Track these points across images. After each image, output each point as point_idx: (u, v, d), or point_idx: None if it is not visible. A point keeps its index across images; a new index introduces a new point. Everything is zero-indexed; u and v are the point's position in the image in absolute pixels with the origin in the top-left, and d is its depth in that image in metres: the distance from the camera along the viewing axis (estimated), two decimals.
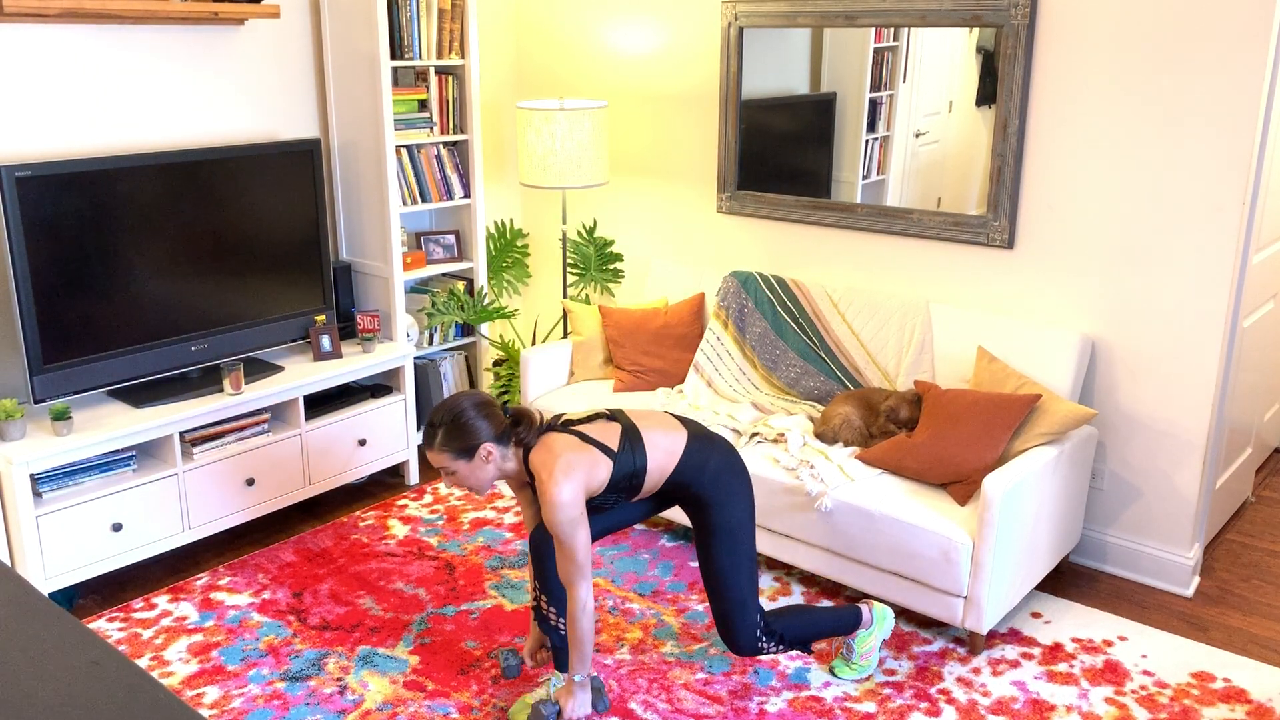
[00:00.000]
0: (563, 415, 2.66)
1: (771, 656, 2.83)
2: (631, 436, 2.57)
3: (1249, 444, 3.92)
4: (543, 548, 2.70)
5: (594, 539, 2.67)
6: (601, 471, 2.51)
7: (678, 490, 2.63)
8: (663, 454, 2.59)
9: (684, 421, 2.69)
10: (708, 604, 3.27)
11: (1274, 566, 3.54)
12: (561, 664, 2.75)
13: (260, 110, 3.92)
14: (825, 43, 3.82)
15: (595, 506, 2.63)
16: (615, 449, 2.54)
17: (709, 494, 2.61)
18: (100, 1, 3.23)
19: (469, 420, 2.49)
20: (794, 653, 2.93)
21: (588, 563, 2.48)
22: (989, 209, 3.51)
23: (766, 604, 3.26)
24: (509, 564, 3.52)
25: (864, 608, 2.87)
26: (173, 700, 1.22)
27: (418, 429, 4.29)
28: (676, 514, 3.55)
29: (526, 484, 2.71)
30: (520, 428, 2.56)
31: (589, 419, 2.62)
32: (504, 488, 4.11)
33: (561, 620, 2.71)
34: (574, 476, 2.44)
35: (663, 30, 4.29)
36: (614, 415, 2.64)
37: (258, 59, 3.88)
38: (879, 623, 2.89)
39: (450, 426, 2.49)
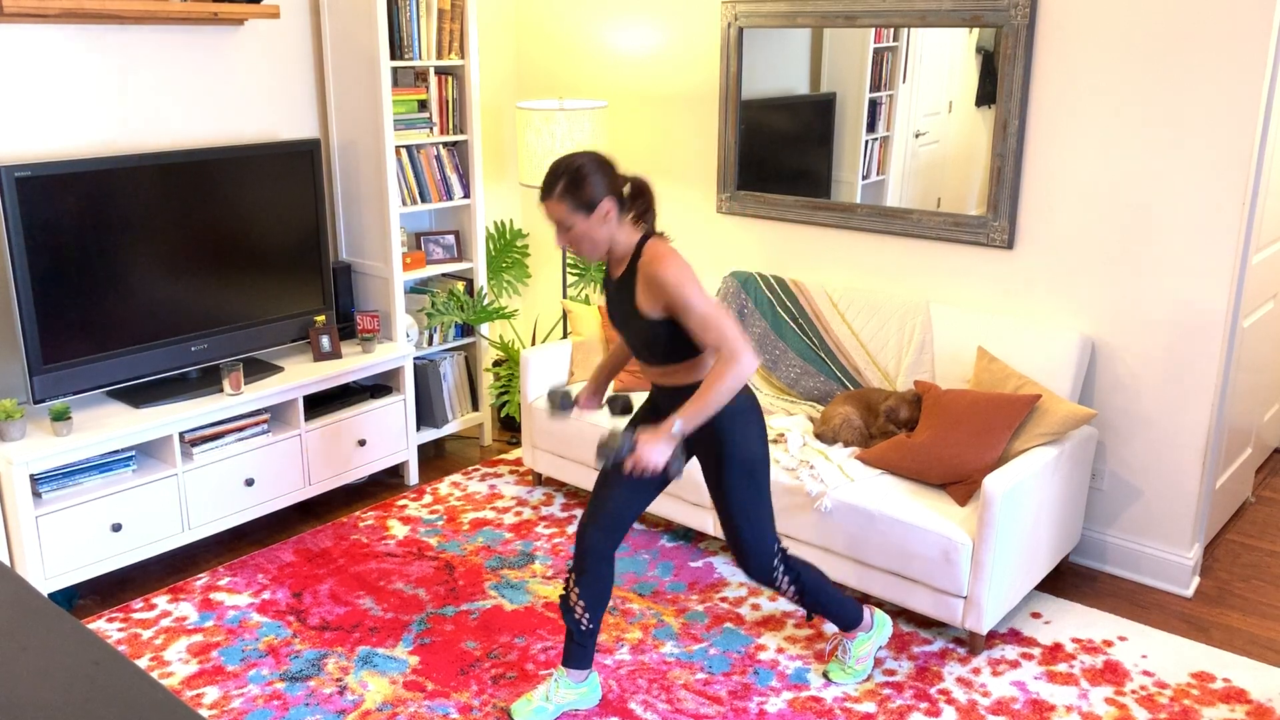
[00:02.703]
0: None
1: (782, 593, 2.71)
2: None
3: (1249, 444, 3.92)
4: (589, 541, 2.63)
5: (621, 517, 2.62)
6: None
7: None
8: (707, 352, 2.51)
9: None
10: (707, 605, 3.27)
11: (1274, 566, 3.54)
12: (571, 659, 2.72)
13: (260, 110, 3.92)
14: (825, 43, 3.82)
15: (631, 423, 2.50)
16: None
17: (728, 428, 2.53)
18: (100, 1, 3.23)
19: (590, 173, 2.41)
20: (797, 606, 2.84)
21: (734, 328, 2.34)
22: (989, 209, 3.51)
23: (765, 602, 3.26)
24: (509, 564, 3.52)
25: (866, 611, 2.86)
26: (173, 700, 1.22)
27: (418, 429, 4.30)
28: (676, 514, 3.55)
29: (624, 268, 2.51)
30: (640, 202, 2.49)
31: None
32: (504, 487, 4.10)
33: (586, 615, 2.66)
34: (691, 269, 2.38)
35: (663, 30, 4.29)
36: None
37: (258, 59, 3.88)
38: (878, 629, 2.88)
39: (573, 177, 2.40)
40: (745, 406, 2.54)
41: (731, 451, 2.54)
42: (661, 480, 2.67)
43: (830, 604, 2.76)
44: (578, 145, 4.09)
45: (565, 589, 2.71)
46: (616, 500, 2.63)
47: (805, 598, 2.71)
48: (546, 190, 2.44)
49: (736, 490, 2.57)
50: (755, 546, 2.61)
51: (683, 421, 2.35)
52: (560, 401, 2.70)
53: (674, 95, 4.32)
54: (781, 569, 2.65)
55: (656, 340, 2.48)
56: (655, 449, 2.33)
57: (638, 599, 3.31)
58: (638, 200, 2.49)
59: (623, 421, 2.39)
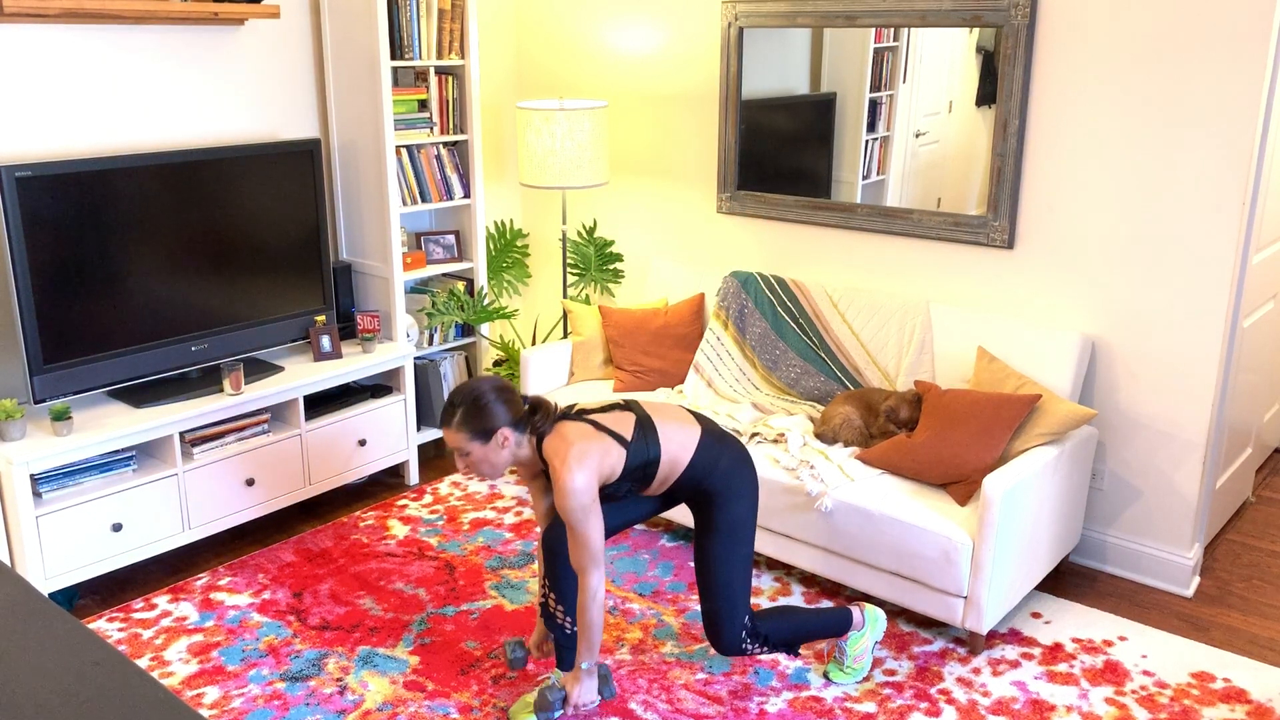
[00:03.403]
0: (576, 405, 2.66)
1: (755, 656, 2.83)
2: (645, 427, 2.57)
3: (1249, 444, 3.92)
4: (555, 545, 2.70)
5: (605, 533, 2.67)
6: (614, 459, 2.51)
7: (688, 485, 2.63)
8: (677, 446, 2.59)
9: (698, 417, 2.69)
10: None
11: (1274, 566, 3.54)
12: (564, 662, 2.75)
13: (260, 110, 3.92)
14: (825, 43, 3.82)
15: (608, 496, 2.63)
16: (629, 438, 2.54)
17: (717, 490, 2.61)
18: (100, 1, 3.23)
19: (488, 403, 2.50)
20: (780, 655, 2.92)
21: (600, 551, 2.49)
22: (989, 209, 3.51)
23: (765, 602, 3.26)
24: (509, 564, 3.52)
25: (855, 610, 2.86)
26: (173, 700, 1.22)
27: (418, 429, 4.30)
28: (676, 514, 3.55)
29: (539, 473, 2.70)
30: (537, 416, 2.56)
31: (604, 409, 2.62)
32: (504, 487, 4.10)
33: (569, 619, 2.71)
34: (587, 464, 2.45)
35: (663, 30, 4.29)
36: (629, 405, 2.64)
37: (258, 59, 3.88)
38: (871, 624, 2.88)
39: (469, 408, 2.49)
40: (734, 466, 2.63)
41: (719, 516, 2.63)
42: (647, 507, 2.81)
43: (810, 632, 2.79)
44: (578, 145, 4.09)
45: (543, 597, 2.74)
46: None
47: (781, 647, 2.77)
48: (445, 420, 2.54)
49: (720, 556, 2.64)
50: (729, 618, 2.67)
51: (586, 658, 2.57)
52: (513, 654, 2.81)
53: (674, 95, 4.32)
54: (749, 640, 2.71)
55: (625, 489, 2.64)
56: (581, 691, 2.58)
57: (638, 599, 3.31)
58: (536, 416, 2.57)
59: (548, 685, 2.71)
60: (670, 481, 2.62)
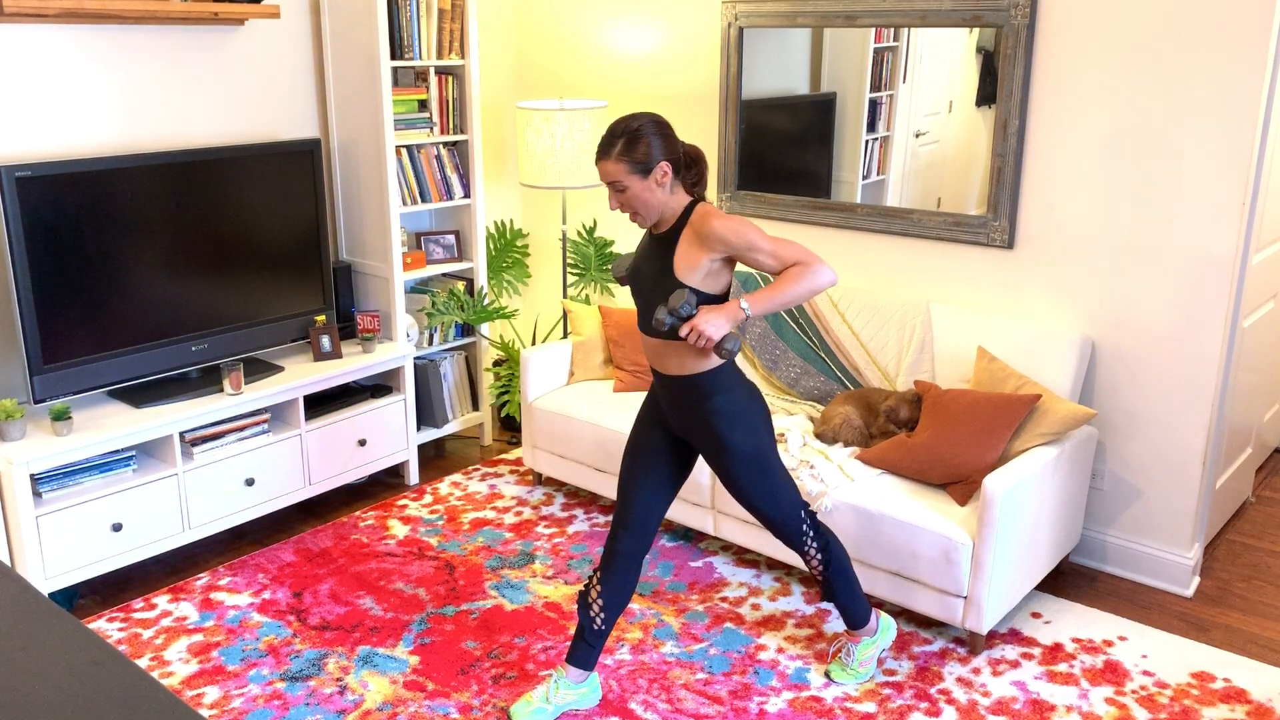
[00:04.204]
0: None
1: (809, 558, 2.73)
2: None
3: (1249, 444, 3.92)
4: (617, 546, 2.64)
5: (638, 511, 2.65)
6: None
7: (716, 385, 2.52)
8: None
9: None
10: (707, 604, 3.27)
11: (1274, 566, 3.54)
12: (576, 657, 2.71)
13: (260, 110, 3.92)
14: (825, 43, 3.82)
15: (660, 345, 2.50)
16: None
17: (726, 428, 2.53)
18: (100, 1, 3.23)
19: (649, 136, 2.41)
20: (790, 607, 2.91)
21: (810, 252, 2.41)
22: (989, 209, 3.51)
23: (764, 603, 3.26)
24: (509, 564, 3.52)
25: (874, 615, 2.87)
26: (173, 700, 1.22)
27: (418, 429, 4.30)
28: (676, 514, 3.55)
29: (659, 237, 2.50)
30: (692, 171, 2.50)
31: None
32: (504, 487, 4.10)
33: (602, 615, 2.67)
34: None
35: (663, 30, 4.29)
36: None
37: (258, 59, 3.88)
38: (883, 633, 2.88)
39: (631, 138, 2.41)
40: (743, 403, 2.56)
41: (733, 452, 2.57)
42: (680, 475, 2.69)
43: (846, 590, 2.77)
44: (578, 145, 4.09)
45: (587, 585, 2.70)
46: (640, 503, 2.66)
47: (829, 570, 2.73)
48: (604, 150, 2.44)
49: (747, 481, 2.61)
50: (783, 523, 2.67)
51: (751, 305, 2.40)
52: (680, 308, 2.45)
53: (674, 95, 4.32)
54: (811, 534, 2.69)
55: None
56: (715, 321, 2.36)
57: (638, 599, 3.31)
58: (692, 169, 2.50)
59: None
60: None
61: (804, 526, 2.69)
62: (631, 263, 2.64)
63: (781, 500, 2.65)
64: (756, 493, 2.62)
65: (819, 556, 2.72)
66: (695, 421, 2.57)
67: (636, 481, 2.66)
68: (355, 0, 3.86)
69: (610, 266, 2.65)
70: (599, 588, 2.67)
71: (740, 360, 3.90)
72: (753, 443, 2.57)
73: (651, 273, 2.51)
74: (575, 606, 2.76)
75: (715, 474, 2.65)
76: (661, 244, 2.50)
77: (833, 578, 2.74)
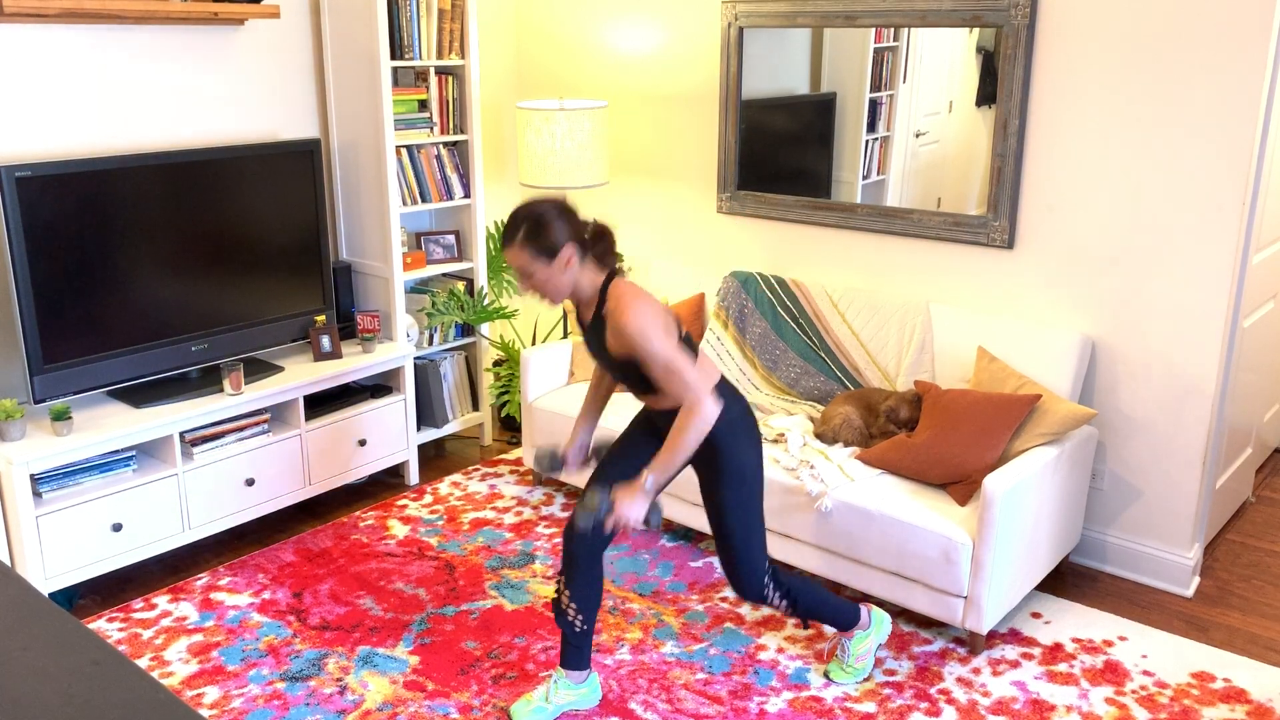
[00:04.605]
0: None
1: (775, 607, 2.75)
2: (689, 342, 2.53)
3: (1249, 444, 3.92)
4: (574, 548, 2.65)
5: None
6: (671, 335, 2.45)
7: None
8: (709, 367, 2.55)
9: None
10: (707, 604, 3.27)
11: (1274, 566, 3.54)
12: (568, 660, 2.73)
13: (260, 110, 3.92)
14: (825, 43, 3.82)
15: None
16: (679, 333, 2.50)
17: (724, 436, 2.55)
18: (100, 1, 3.23)
19: (551, 221, 2.43)
20: (792, 619, 2.85)
21: (695, 376, 2.37)
22: (989, 209, 3.51)
23: None
24: (509, 564, 3.52)
25: (863, 609, 2.87)
26: (173, 700, 1.22)
27: (418, 429, 4.30)
28: (677, 514, 3.55)
29: (593, 311, 2.55)
30: (600, 246, 2.50)
31: None
32: (504, 487, 4.10)
33: (580, 616, 2.67)
34: (657, 308, 2.39)
35: (663, 30, 4.29)
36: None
37: (258, 59, 3.88)
38: (876, 626, 2.88)
39: (533, 224, 2.42)
40: (738, 418, 2.58)
41: (725, 462, 2.57)
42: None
43: (824, 610, 2.77)
44: (578, 145, 4.09)
45: (556, 592, 2.72)
46: None
47: (798, 608, 2.73)
48: (507, 238, 2.47)
49: (729, 500, 2.59)
50: (747, 565, 2.63)
51: (654, 476, 2.44)
52: (549, 464, 2.75)
53: (674, 95, 4.32)
54: (772, 585, 2.67)
55: (634, 377, 2.52)
56: (632, 506, 2.42)
57: (638, 599, 3.31)
58: (598, 244, 2.51)
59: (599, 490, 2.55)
60: None
61: (766, 578, 2.65)
62: (584, 340, 2.69)
63: (752, 535, 2.62)
64: (736, 515, 2.59)
65: (784, 603, 2.70)
66: None
67: (601, 481, 2.68)
68: (355, 0, 3.86)
69: (534, 460, 2.75)
70: (568, 592, 2.69)
71: (740, 360, 3.90)
72: (744, 461, 2.58)
73: (597, 354, 2.57)
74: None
75: (702, 493, 2.65)
76: (592, 331, 2.56)
77: (805, 609, 2.74)
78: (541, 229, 2.42)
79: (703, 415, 2.38)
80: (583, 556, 2.66)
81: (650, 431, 2.69)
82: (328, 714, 2.75)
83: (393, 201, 3.99)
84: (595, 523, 2.46)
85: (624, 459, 2.70)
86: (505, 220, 2.52)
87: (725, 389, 2.59)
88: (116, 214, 3.31)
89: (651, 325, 2.37)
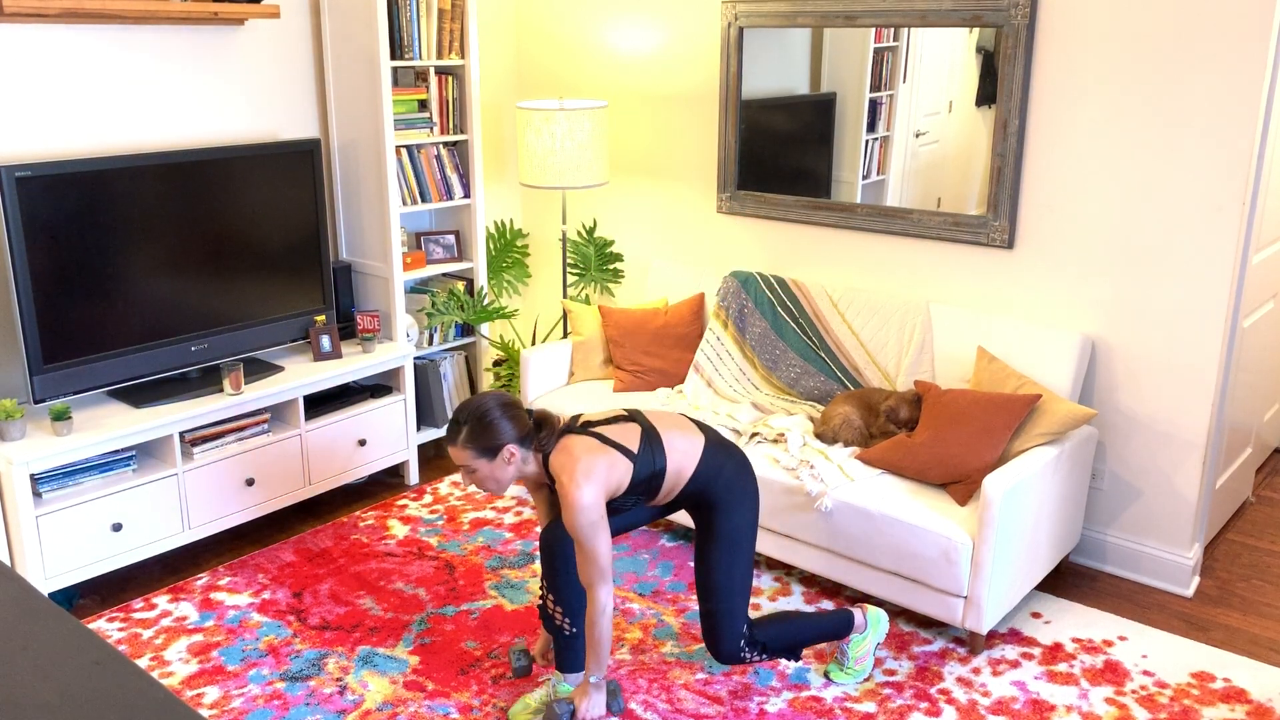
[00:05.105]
0: (581, 416, 2.65)
1: (754, 664, 2.82)
2: (651, 438, 2.56)
3: (1249, 444, 3.92)
4: (554, 547, 2.70)
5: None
6: (621, 473, 2.51)
7: (692, 493, 2.62)
8: (681, 456, 2.58)
9: (700, 426, 2.69)
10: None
11: (1274, 566, 3.54)
12: (563, 664, 2.74)
13: (260, 110, 3.92)
14: (825, 43, 3.82)
15: (614, 509, 2.62)
16: (635, 450, 2.53)
17: (719, 498, 2.60)
18: (100, 1, 3.23)
19: (494, 420, 2.49)
20: (781, 660, 2.91)
21: (609, 565, 2.48)
22: (989, 209, 3.51)
23: (764, 602, 3.26)
24: (509, 564, 3.52)
25: (857, 612, 2.86)
26: (173, 700, 1.22)
27: (418, 429, 4.29)
28: (677, 514, 3.55)
29: (544, 485, 2.71)
30: (543, 433, 2.55)
31: (608, 420, 2.61)
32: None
33: (567, 620, 2.70)
34: (594, 479, 2.44)
35: (663, 30, 4.29)
36: (632, 416, 2.63)
37: (258, 59, 3.88)
38: (873, 626, 2.88)
39: (475, 425, 2.49)
40: (733, 474, 2.62)
41: (721, 525, 2.61)
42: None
43: (810, 637, 2.79)
44: (578, 145, 4.09)
45: (541, 598, 2.74)
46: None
47: (781, 653, 2.76)
48: (450, 437, 2.53)
49: (722, 564, 2.62)
50: (728, 627, 2.65)
51: (595, 671, 2.57)
52: (517, 662, 2.87)
53: (674, 95, 4.32)
54: (748, 649, 2.69)
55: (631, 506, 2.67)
56: (591, 704, 2.57)
57: (638, 599, 3.31)
58: (542, 432, 2.56)
59: (556, 699, 2.70)
60: (675, 491, 2.62)
61: (743, 642, 2.67)
62: (522, 649, 2.88)
63: (736, 594, 2.64)
64: (719, 569, 2.62)
65: (763, 658, 2.73)
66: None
67: None
68: (355, 0, 3.86)
69: (511, 662, 2.84)
70: (551, 596, 2.72)
71: (740, 360, 3.90)
72: (739, 519, 2.62)
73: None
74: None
75: (695, 547, 2.70)
76: (554, 503, 2.76)
77: (788, 648, 2.76)
78: (484, 429, 2.49)
79: (598, 601, 2.48)
80: (562, 558, 2.69)
81: None
82: (328, 714, 2.75)
83: (393, 201, 3.99)
84: None
85: None
86: (450, 417, 2.65)
87: (716, 447, 2.63)
88: (116, 214, 3.31)
89: (579, 510, 2.43)
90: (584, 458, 2.47)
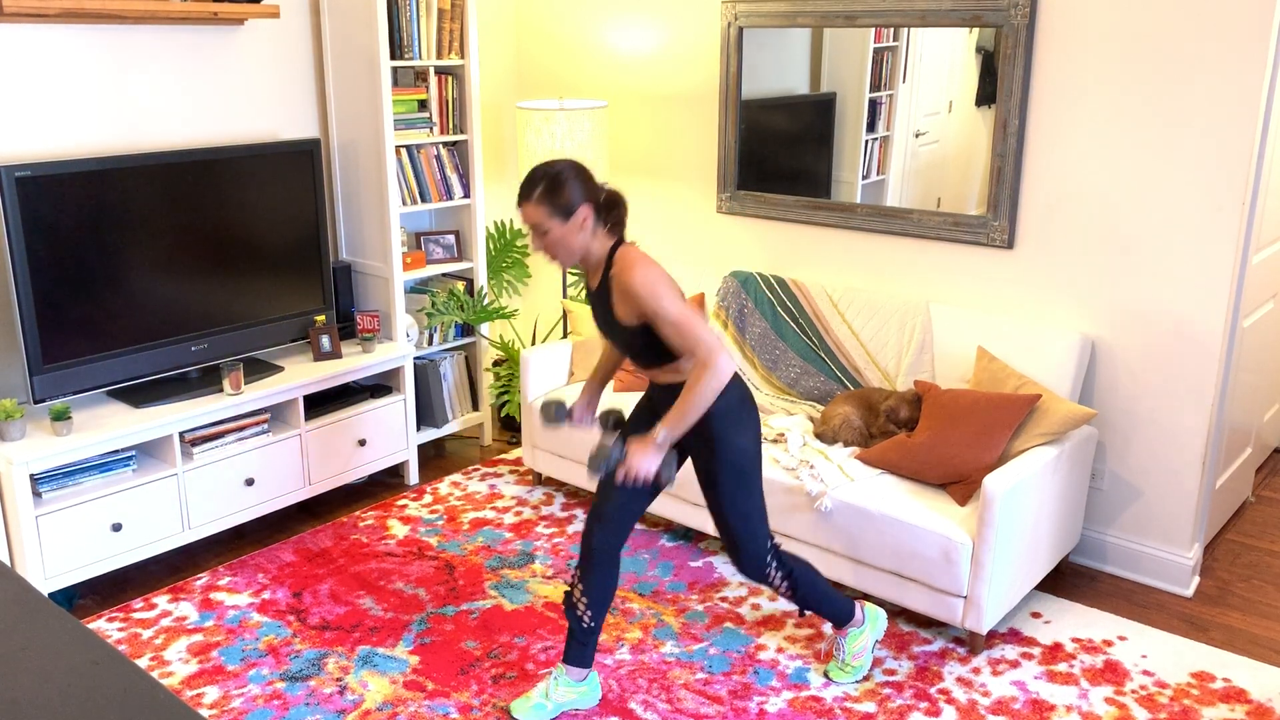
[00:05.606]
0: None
1: (774, 588, 2.73)
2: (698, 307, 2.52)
3: (1249, 444, 3.92)
4: (595, 543, 2.64)
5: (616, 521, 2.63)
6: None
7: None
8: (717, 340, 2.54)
9: None
10: (707, 604, 3.27)
11: (1274, 566, 3.54)
12: (571, 656, 2.72)
13: (260, 110, 3.92)
14: (825, 43, 3.82)
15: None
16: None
17: (720, 426, 2.53)
18: (100, 1, 3.23)
19: (569, 180, 2.43)
20: (790, 605, 2.82)
21: (709, 332, 2.34)
22: (989, 209, 3.51)
23: (764, 602, 3.26)
24: (509, 564, 3.52)
25: (858, 607, 2.87)
26: (173, 700, 1.22)
27: (418, 429, 4.30)
28: (677, 514, 3.55)
29: (597, 289, 2.55)
30: (613, 213, 2.50)
31: None
32: (504, 487, 4.10)
33: (589, 612, 2.67)
34: (663, 271, 2.40)
35: (663, 30, 4.29)
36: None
37: (258, 59, 3.88)
38: (870, 623, 2.88)
39: (551, 182, 2.43)
40: (736, 404, 2.56)
41: (723, 451, 2.56)
42: (655, 485, 2.68)
43: (822, 600, 2.77)
44: (578, 145, 4.09)
45: (570, 585, 2.71)
46: (617, 501, 2.64)
47: (798, 593, 2.72)
48: (525, 193, 2.47)
49: (728, 489, 2.58)
50: (748, 544, 2.62)
51: (667, 430, 2.41)
52: (554, 413, 2.74)
53: (674, 95, 4.32)
54: (774, 565, 2.66)
55: (640, 346, 2.52)
56: (644, 458, 2.40)
57: (638, 599, 3.31)
58: (612, 210, 2.51)
59: (613, 436, 2.49)
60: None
61: (769, 557, 2.65)
62: (591, 311, 2.66)
63: (753, 518, 2.61)
64: (734, 501, 2.58)
65: (785, 584, 2.70)
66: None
67: (614, 480, 2.65)
68: (355, 0, 3.86)
69: (540, 409, 2.71)
70: (581, 586, 2.68)
71: (740, 360, 3.90)
72: (741, 447, 2.56)
73: (605, 322, 2.56)
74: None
75: (698, 478, 2.64)
76: (599, 298, 2.54)
77: (804, 595, 2.74)
78: (559, 187, 2.42)
79: (718, 370, 2.35)
80: (601, 552, 2.65)
81: (653, 417, 2.67)
82: (327, 714, 2.75)
83: (392, 201, 3.99)
84: (607, 470, 2.43)
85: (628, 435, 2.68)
86: (523, 177, 2.52)
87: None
88: (116, 214, 3.31)
89: (661, 283, 2.37)
90: (651, 263, 2.42)
